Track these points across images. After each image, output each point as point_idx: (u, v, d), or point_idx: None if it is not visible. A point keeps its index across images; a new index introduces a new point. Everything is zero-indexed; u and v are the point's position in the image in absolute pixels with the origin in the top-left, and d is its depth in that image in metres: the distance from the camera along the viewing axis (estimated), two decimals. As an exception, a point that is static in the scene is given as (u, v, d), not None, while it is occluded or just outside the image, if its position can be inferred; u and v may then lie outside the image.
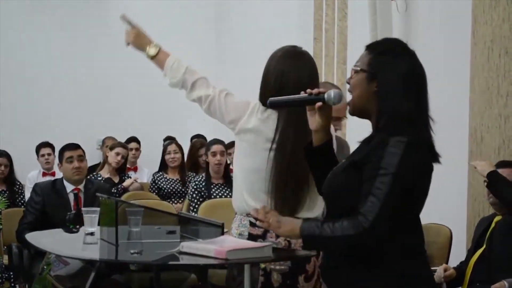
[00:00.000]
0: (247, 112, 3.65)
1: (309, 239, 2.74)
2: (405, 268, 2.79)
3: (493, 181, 4.65)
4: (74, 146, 6.44)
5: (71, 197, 6.25)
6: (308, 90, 2.97)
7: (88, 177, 6.93)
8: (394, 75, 2.84)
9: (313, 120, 2.99)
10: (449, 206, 6.43)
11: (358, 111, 2.91)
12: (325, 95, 2.94)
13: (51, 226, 4.79)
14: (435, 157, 2.91)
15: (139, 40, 4.03)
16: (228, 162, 7.55)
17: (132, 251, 3.33)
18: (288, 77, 3.58)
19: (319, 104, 2.94)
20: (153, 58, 3.96)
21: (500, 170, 4.96)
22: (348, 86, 2.94)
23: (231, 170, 7.70)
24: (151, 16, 10.87)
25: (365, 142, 2.87)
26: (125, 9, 10.81)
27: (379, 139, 2.76)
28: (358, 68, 2.88)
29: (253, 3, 10.09)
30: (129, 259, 3.47)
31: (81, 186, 6.30)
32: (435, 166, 6.70)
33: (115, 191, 7.79)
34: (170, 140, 9.27)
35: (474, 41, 6.30)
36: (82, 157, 6.39)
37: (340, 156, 3.11)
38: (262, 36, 8.94)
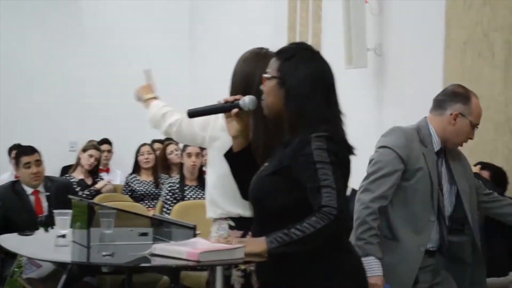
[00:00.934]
0: (213, 117, 3.66)
1: (281, 248, 2.81)
2: (335, 260, 2.93)
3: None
4: (31, 151, 6.36)
5: (32, 199, 6.20)
6: (225, 98, 3.16)
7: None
8: (301, 78, 2.97)
9: (232, 127, 3.16)
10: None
11: (274, 116, 3.05)
12: (240, 102, 3.13)
13: (14, 230, 4.74)
14: (350, 150, 3.01)
15: (145, 91, 4.10)
16: (202, 164, 7.56)
17: (104, 253, 3.31)
18: (253, 78, 3.58)
19: (235, 110, 3.13)
20: (146, 101, 4.04)
21: (481, 172, 4.98)
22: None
23: (205, 172, 7.71)
24: (124, 15, 10.89)
25: (284, 146, 2.99)
26: (99, 9, 10.86)
27: (300, 139, 2.89)
28: (269, 75, 3.02)
29: (227, 5, 10.08)
30: (101, 261, 3.46)
31: (40, 187, 6.25)
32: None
33: (88, 193, 7.76)
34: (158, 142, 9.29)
35: (448, 43, 6.33)
36: (39, 162, 6.32)
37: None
38: (236, 39, 8.93)
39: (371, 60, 7.01)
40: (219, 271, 3.26)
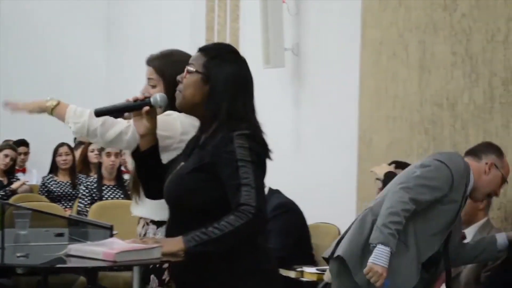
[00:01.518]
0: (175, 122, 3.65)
1: (198, 248, 2.81)
2: (251, 261, 2.95)
3: (390, 179, 4.72)
4: None
5: None
6: (134, 96, 3.11)
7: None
8: (225, 78, 3.02)
9: (141, 125, 3.13)
10: (339, 206, 6.52)
11: (188, 108, 3.07)
12: (151, 99, 3.11)
13: None
14: (268, 150, 3.03)
15: (34, 104, 3.90)
16: (121, 164, 7.52)
17: (18, 255, 3.26)
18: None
19: (146, 108, 3.10)
20: (53, 109, 3.80)
21: (395, 170, 5.04)
22: (179, 85, 3.06)
23: (123, 172, 7.66)
24: (42, 12, 10.73)
25: (202, 144, 3.01)
26: (18, 6, 10.64)
27: (222, 137, 2.91)
28: (193, 70, 3.03)
29: (145, 4, 10.02)
30: (15, 262, 3.39)
31: None
32: (327, 167, 6.81)
33: (3, 193, 7.65)
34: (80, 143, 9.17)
35: (363, 43, 6.41)
36: None
37: None
38: (154, 37, 8.89)
39: (289, 59, 7.06)
40: (136, 271, 3.25)
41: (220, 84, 3.00)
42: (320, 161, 6.68)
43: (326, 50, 6.88)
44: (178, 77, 3.08)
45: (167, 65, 3.71)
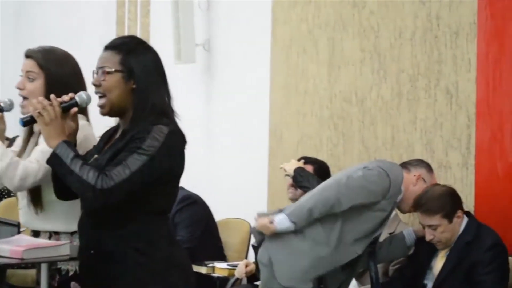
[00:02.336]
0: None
1: (57, 159, 2.81)
2: (168, 254, 2.93)
3: (300, 175, 4.76)
4: None
5: None
6: (59, 99, 2.98)
7: None
8: (146, 71, 2.97)
9: (68, 127, 3.00)
10: (250, 201, 6.55)
11: (116, 111, 2.98)
12: (77, 98, 3.02)
13: None
14: (184, 145, 3.01)
15: None
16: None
17: None
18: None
19: (75, 109, 3.01)
20: None
21: (305, 166, 5.08)
22: (97, 89, 2.98)
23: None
24: None
25: (122, 136, 2.94)
26: None
27: (142, 129, 2.86)
28: (112, 69, 2.94)
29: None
30: None
31: None
32: (238, 163, 6.83)
33: None
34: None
35: (274, 40, 6.45)
36: None
37: None
38: (64, 33, 8.75)
39: (200, 55, 7.05)
40: (44, 268, 3.19)
41: (144, 77, 2.94)
42: (231, 156, 6.69)
43: (237, 46, 6.90)
44: (94, 81, 2.98)
45: (50, 61, 3.56)
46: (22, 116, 3.01)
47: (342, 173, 4.36)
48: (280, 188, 5.96)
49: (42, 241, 2.93)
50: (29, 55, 3.63)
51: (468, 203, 4.77)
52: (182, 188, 5.93)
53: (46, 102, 2.90)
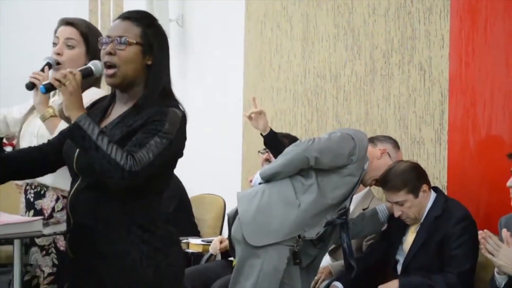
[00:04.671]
0: None
1: (80, 132, 2.69)
2: (168, 232, 2.90)
3: (271, 140, 4.72)
4: None
5: None
6: (73, 70, 2.86)
7: None
8: (164, 49, 2.91)
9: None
10: (224, 177, 6.55)
11: (126, 84, 2.88)
12: (92, 67, 2.91)
13: None
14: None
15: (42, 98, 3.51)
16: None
17: None
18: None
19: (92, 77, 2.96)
20: (50, 117, 3.48)
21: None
22: (110, 57, 2.84)
23: (5, 144, 7.47)
24: None
25: (135, 113, 2.84)
26: None
27: (157, 111, 2.78)
28: (134, 41, 2.84)
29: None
30: None
31: None
32: (213, 139, 6.82)
33: None
34: None
35: (248, 15, 6.43)
36: None
37: None
38: (38, 6, 8.66)
39: (174, 31, 7.03)
40: (17, 244, 3.17)
41: (159, 55, 2.88)
42: (206, 133, 6.68)
43: (211, 22, 6.88)
44: (109, 49, 2.84)
45: (92, 31, 3.60)
46: (45, 82, 2.90)
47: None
48: (254, 164, 5.96)
49: (15, 216, 2.91)
50: (70, 22, 3.62)
51: (441, 178, 4.81)
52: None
53: (68, 71, 2.80)
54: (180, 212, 5.82)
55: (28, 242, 3.43)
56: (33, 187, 3.54)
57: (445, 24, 4.84)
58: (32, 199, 3.54)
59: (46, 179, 3.41)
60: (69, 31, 3.61)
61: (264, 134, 4.62)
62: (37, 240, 3.42)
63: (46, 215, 3.46)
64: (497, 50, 4.54)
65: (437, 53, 4.89)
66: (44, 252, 3.46)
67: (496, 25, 4.56)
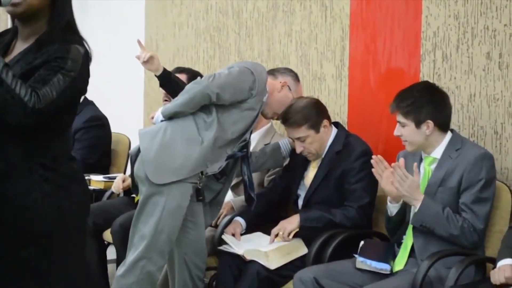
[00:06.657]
0: None
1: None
2: (71, 169, 2.87)
3: (165, 80, 4.68)
4: None
5: None
6: None
7: None
8: None
9: None
10: (127, 114, 6.51)
11: (28, 16, 2.80)
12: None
13: None
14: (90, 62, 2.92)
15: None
16: None
17: None
18: None
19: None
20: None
21: (179, 75, 5.03)
22: None
23: None
24: None
25: (37, 48, 2.78)
26: None
27: (59, 47, 2.73)
28: None
29: None
30: None
31: None
32: (114, 76, 6.73)
33: None
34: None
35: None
36: None
37: None
38: None
39: None
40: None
41: None
42: (107, 70, 6.60)
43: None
44: None
45: None
46: None
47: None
48: (155, 99, 5.93)
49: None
50: None
51: (342, 114, 4.87)
52: (93, 104, 5.83)
53: None
54: (102, 159, 5.79)
55: None
56: None
57: (346, -40, 4.86)
58: None
59: None
60: None
61: (157, 74, 4.60)
62: None
63: None
64: (397, -13, 4.59)
65: (338, -11, 4.91)
66: None
67: (396, -38, 4.59)
